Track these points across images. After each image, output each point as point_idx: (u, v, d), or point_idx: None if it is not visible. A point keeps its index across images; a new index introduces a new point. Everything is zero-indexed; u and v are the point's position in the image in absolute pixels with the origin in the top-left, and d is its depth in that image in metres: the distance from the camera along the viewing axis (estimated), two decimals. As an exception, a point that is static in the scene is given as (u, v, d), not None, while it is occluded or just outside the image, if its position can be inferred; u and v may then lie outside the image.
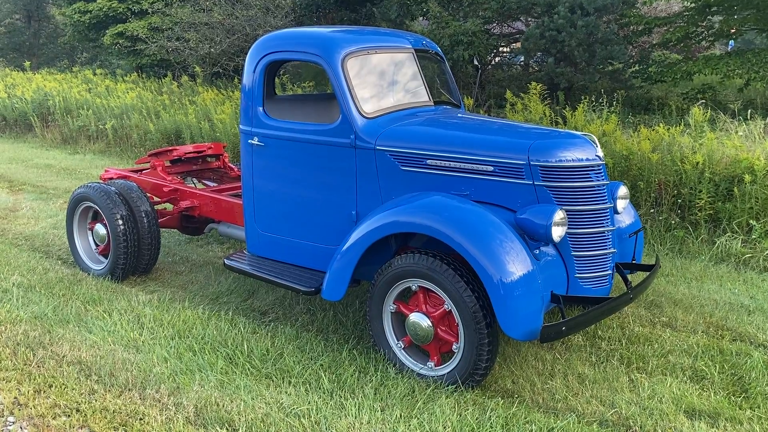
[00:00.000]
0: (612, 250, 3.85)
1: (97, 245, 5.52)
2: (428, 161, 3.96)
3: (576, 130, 7.54)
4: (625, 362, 3.99)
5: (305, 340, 4.18)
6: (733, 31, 11.45)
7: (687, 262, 5.80)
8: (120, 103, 12.26)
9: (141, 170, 6.17)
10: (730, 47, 15.77)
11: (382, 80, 4.38)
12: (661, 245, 6.16)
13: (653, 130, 7.02)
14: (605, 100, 9.21)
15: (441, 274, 3.53)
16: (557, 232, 3.57)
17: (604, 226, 3.81)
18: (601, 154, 3.83)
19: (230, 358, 3.89)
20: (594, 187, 3.78)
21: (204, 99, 11.67)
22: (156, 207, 5.78)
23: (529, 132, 4.06)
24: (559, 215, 3.56)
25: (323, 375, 3.69)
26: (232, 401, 3.40)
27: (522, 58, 14.55)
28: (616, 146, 6.77)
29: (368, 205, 4.11)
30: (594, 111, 8.87)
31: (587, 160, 3.77)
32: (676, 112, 10.36)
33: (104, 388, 3.55)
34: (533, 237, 3.60)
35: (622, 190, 4.18)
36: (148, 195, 5.57)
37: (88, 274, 5.42)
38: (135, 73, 15.72)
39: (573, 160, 3.73)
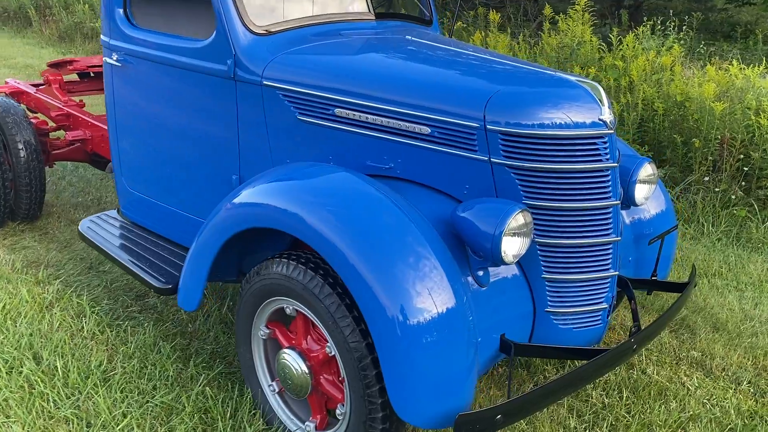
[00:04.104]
0: (612, 272, 2.41)
1: (-25, 180, 4.35)
2: (336, 110, 2.53)
3: (622, 61, 5.87)
4: (621, 432, 2.63)
5: (157, 356, 2.92)
6: None
7: (745, 256, 4.26)
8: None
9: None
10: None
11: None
12: (713, 226, 4.61)
13: (724, 68, 5.30)
14: (676, 24, 7.33)
15: (320, 300, 2.18)
16: (512, 249, 2.14)
17: (601, 235, 2.36)
18: (609, 117, 2.32)
19: (26, 385, 2.67)
20: (592, 171, 2.30)
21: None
22: (52, 136, 4.54)
23: (496, 72, 2.54)
24: (518, 220, 2.13)
25: None
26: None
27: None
28: (671, 87, 5.10)
29: (254, 167, 2.75)
30: (665, 35, 7.04)
31: (584, 126, 2.27)
32: (762, 41, 8.39)
33: None
34: (475, 251, 2.20)
35: (646, 171, 2.68)
36: (39, 120, 4.33)
37: (-40, 216, 4.29)
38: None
39: (558, 126, 2.25)
